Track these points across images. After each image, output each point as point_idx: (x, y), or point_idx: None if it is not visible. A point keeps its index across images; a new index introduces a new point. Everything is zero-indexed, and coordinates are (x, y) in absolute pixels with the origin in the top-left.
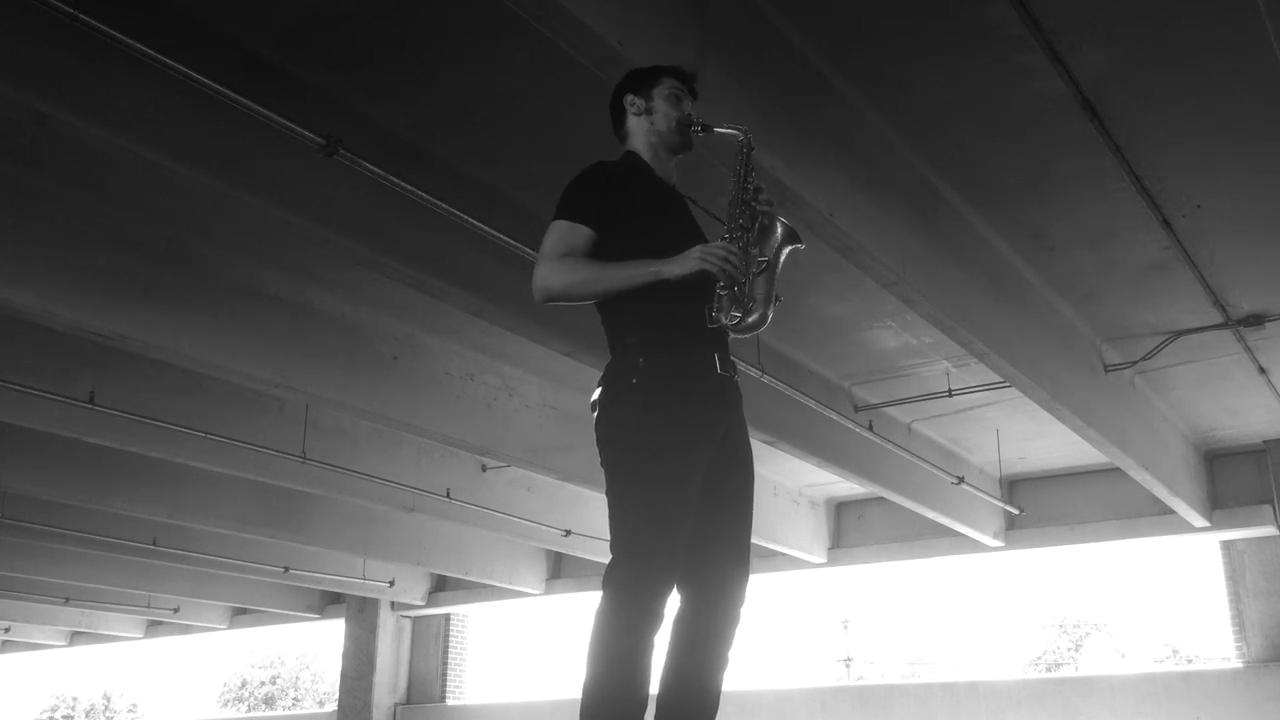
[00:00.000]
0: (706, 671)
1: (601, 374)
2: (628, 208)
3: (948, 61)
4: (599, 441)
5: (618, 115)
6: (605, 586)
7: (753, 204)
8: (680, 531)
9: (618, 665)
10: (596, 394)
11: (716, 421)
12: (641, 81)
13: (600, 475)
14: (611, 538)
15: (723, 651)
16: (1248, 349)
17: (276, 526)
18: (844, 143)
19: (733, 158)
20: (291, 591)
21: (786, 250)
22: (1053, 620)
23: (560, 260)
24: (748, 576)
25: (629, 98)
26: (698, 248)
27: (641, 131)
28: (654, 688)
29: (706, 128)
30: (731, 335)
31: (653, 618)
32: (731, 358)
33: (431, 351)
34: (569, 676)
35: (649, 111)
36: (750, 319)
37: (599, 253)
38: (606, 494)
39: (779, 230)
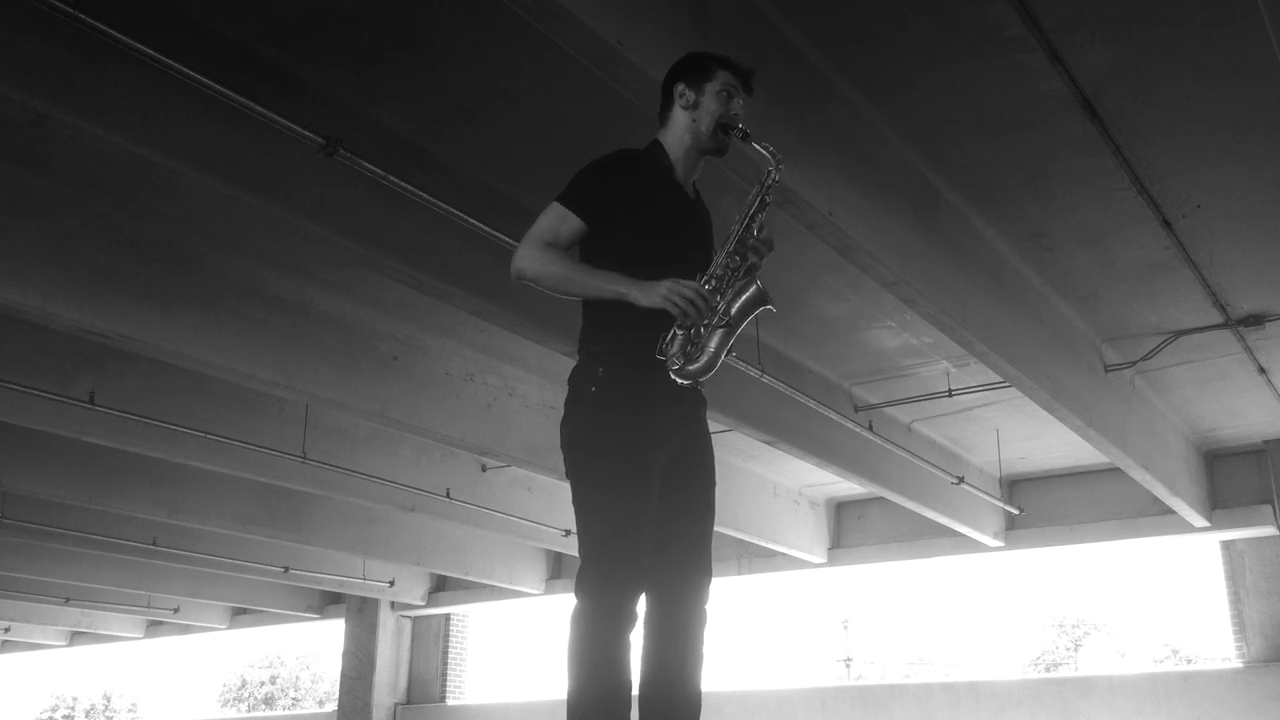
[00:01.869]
0: (681, 671)
1: (568, 378)
2: (635, 204)
3: (947, 61)
4: (561, 446)
5: (666, 98)
6: (578, 590)
7: (751, 248)
8: (642, 534)
9: (598, 666)
10: None
11: (671, 431)
12: (697, 72)
13: None
14: (579, 542)
15: (694, 651)
16: (1248, 349)
17: (276, 526)
18: (844, 143)
19: (755, 183)
20: (291, 591)
21: (755, 313)
22: (1052, 620)
23: (543, 248)
24: (710, 577)
25: (680, 87)
26: (666, 283)
27: (682, 126)
28: (634, 690)
29: (746, 136)
30: (673, 376)
31: (626, 615)
32: None
33: (431, 351)
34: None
35: (696, 107)
36: (691, 367)
37: (588, 246)
38: (571, 499)
39: (754, 289)
